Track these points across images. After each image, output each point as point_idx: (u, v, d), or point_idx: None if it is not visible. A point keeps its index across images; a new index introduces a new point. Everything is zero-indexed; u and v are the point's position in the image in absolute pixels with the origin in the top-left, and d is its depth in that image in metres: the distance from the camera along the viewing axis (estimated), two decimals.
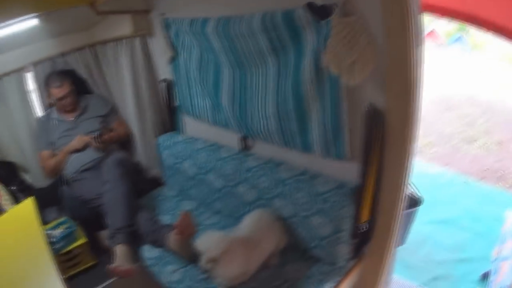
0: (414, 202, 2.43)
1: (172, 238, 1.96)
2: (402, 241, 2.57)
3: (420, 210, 2.54)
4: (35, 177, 2.81)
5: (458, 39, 8.34)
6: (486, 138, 5.07)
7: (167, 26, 2.20)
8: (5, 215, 2.01)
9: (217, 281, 1.70)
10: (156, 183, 2.80)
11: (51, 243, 2.45)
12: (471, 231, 3.10)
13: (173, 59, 2.31)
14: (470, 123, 5.47)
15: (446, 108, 5.96)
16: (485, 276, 2.54)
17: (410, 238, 2.68)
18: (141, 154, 2.86)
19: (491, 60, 7.15)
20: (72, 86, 2.62)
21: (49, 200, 2.87)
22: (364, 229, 1.64)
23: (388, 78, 1.38)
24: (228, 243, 1.65)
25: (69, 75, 2.65)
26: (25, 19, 2.11)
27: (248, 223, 1.84)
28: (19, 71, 2.55)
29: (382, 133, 1.47)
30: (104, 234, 2.34)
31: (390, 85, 1.39)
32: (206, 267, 1.63)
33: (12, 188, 2.71)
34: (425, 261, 2.80)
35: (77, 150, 2.55)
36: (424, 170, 4.01)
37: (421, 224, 2.96)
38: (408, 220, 2.49)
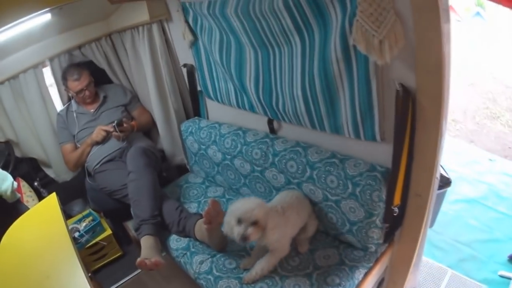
0: (444, 182, 2.37)
1: (199, 227, 1.94)
2: (431, 223, 2.53)
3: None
4: (58, 172, 2.82)
5: (477, 14, 8.15)
6: (509, 115, 4.96)
7: (184, 10, 2.13)
8: (28, 212, 2.00)
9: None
10: (181, 170, 2.79)
11: (77, 237, 2.49)
12: (496, 211, 3.02)
13: (193, 43, 2.26)
14: (492, 100, 5.35)
15: (468, 84, 5.83)
16: None
17: (437, 218, 2.63)
18: (165, 142, 2.84)
19: (509, 36, 6.98)
20: (90, 77, 2.61)
21: (73, 194, 2.90)
22: (396, 213, 1.60)
23: (418, 56, 1.32)
24: (268, 207, 1.62)
25: (87, 67, 2.64)
26: (39, 14, 2.09)
27: (278, 198, 1.82)
28: (37, 66, 2.54)
29: (413, 112, 1.42)
30: (129, 225, 2.35)
31: (420, 63, 1.33)
32: (247, 232, 1.53)
33: (35, 184, 2.74)
34: (451, 242, 2.74)
35: (98, 141, 2.55)
36: (449, 147, 3.92)
37: (448, 203, 2.91)
38: (438, 201, 2.43)
